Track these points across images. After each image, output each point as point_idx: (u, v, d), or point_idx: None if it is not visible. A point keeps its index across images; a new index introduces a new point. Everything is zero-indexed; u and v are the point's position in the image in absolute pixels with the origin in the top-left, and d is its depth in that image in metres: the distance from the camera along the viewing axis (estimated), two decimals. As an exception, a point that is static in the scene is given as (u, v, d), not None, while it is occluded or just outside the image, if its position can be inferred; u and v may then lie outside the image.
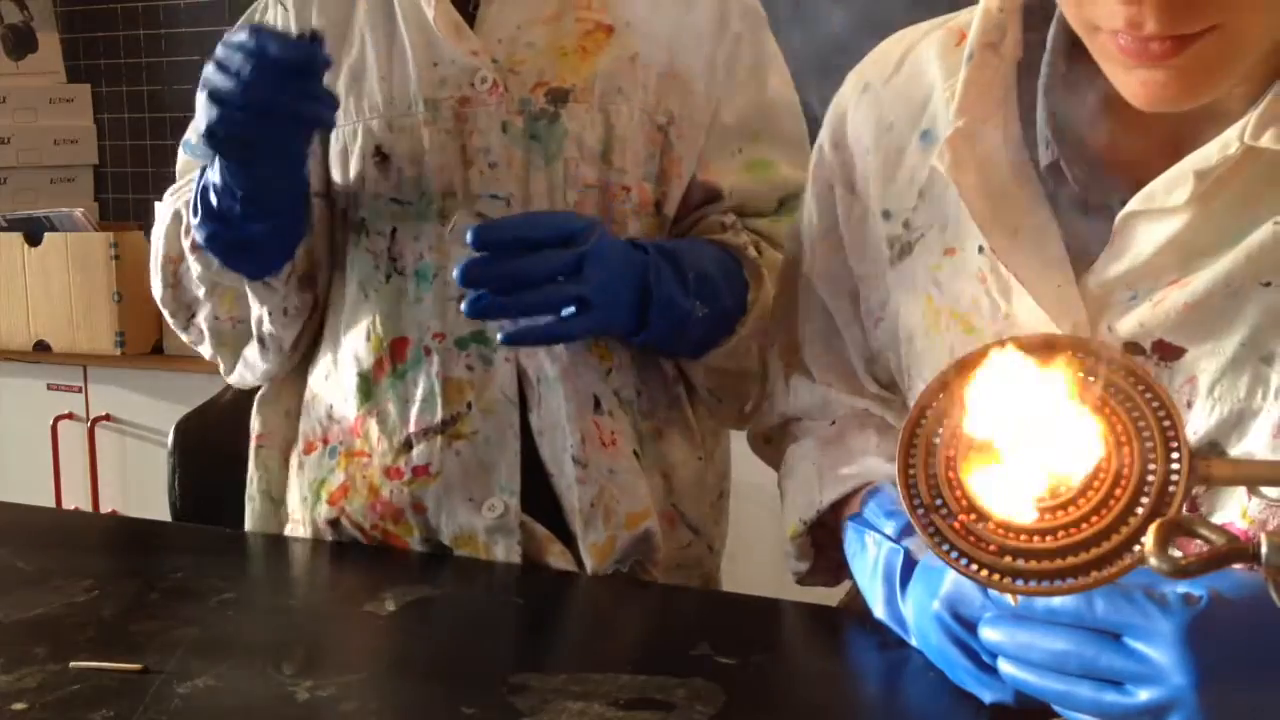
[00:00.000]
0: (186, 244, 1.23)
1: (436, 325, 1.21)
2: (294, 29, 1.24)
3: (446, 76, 1.20)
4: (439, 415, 1.20)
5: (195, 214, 1.17)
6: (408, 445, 1.21)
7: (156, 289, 1.29)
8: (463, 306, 1.09)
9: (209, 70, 1.06)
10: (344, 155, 1.23)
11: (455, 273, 1.08)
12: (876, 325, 1.01)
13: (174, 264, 1.26)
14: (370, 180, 1.21)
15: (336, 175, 1.24)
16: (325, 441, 1.27)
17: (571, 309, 1.10)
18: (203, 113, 1.07)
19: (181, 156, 1.34)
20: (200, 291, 1.26)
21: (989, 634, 0.80)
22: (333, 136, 1.23)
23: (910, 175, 0.96)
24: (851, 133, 1.01)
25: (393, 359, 1.22)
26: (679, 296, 1.16)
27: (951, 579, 0.84)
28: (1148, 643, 0.72)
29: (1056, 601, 0.75)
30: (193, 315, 1.29)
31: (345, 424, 1.25)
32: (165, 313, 1.31)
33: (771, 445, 1.14)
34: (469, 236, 1.08)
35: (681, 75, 1.24)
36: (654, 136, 1.23)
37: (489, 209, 1.19)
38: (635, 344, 1.21)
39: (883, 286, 0.99)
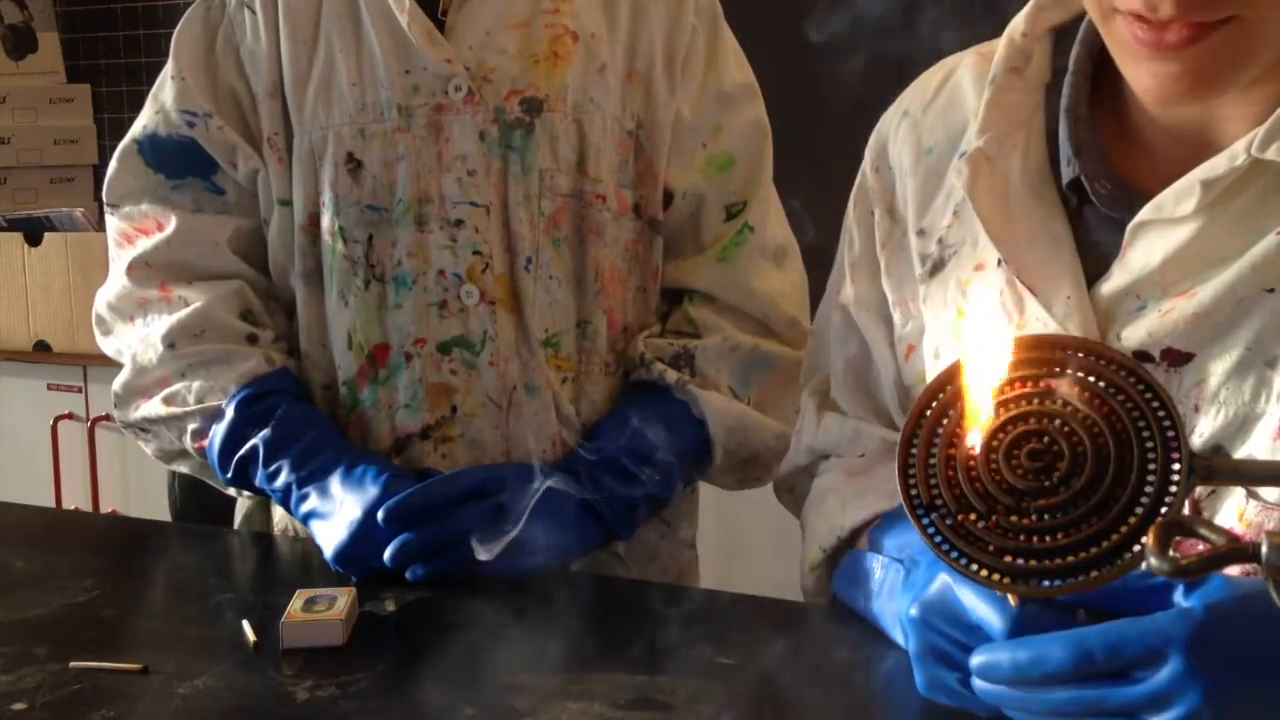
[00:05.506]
0: (191, 446, 1.23)
1: (418, 331, 1.21)
2: (263, 33, 1.23)
3: (420, 84, 1.20)
4: (423, 420, 1.21)
5: (227, 473, 1.19)
6: (393, 450, 1.22)
7: (131, 405, 1.27)
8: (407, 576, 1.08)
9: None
10: (312, 161, 1.22)
11: (387, 558, 1.07)
12: (909, 354, 1.01)
13: (155, 424, 1.25)
14: (343, 187, 1.20)
15: (304, 182, 1.22)
16: None
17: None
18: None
19: (135, 165, 1.28)
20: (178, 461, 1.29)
21: (984, 687, 0.75)
22: (295, 142, 1.22)
23: (947, 195, 0.97)
24: (893, 156, 1.03)
25: (374, 365, 1.22)
26: (625, 487, 1.16)
27: (936, 590, 0.82)
28: (1152, 669, 0.69)
29: (1051, 661, 0.70)
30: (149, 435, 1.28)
31: None
32: (119, 408, 1.29)
33: (795, 493, 1.13)
34: (380, 516, 1.07)
35: (643, 78, 1.24)
36: (625, 142, 1.24)
37: (467, 215, 1.19)
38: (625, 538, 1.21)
39: (916, 311, 0.99)
